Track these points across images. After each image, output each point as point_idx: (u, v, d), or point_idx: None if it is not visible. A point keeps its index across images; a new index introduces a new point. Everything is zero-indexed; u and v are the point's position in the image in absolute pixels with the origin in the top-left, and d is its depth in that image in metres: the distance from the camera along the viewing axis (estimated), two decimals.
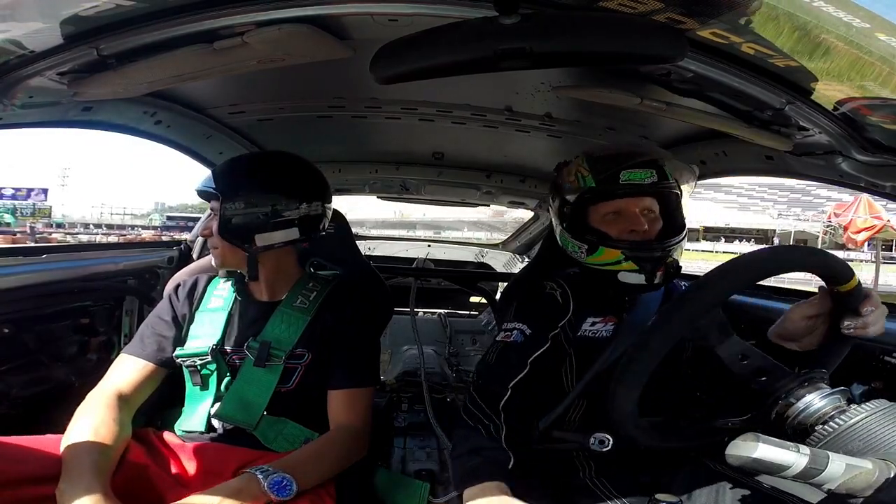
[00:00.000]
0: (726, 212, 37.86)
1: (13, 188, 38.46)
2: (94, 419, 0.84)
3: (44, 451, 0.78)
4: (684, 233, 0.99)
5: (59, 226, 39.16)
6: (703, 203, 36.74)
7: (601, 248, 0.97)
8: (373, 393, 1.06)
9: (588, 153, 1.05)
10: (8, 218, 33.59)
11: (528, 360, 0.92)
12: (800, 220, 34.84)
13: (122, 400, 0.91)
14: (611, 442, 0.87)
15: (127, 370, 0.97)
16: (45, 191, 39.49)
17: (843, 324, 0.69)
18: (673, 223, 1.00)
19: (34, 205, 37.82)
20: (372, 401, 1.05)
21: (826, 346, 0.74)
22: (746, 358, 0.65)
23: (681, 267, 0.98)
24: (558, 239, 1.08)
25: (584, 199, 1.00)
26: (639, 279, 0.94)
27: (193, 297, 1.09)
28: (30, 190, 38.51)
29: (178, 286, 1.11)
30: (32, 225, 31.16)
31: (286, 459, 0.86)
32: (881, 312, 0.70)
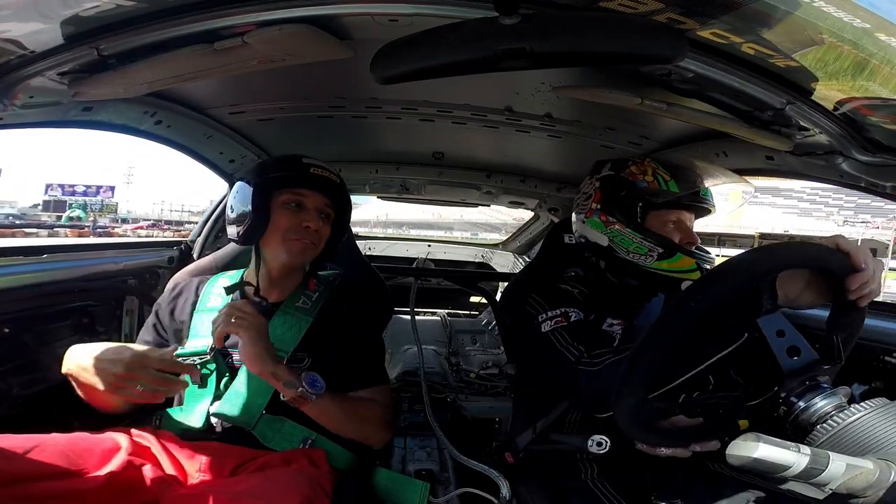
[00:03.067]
0: (785, 217, 35.68)
1: (84, 185, 41.33)
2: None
3: (45, 450, 0.78)
4: None
5: (125, 221, 40.98)
6: (759, 208, 34.82)
7: (678, 255, 0.96)
8: (389, 389, 1.10)
9: (658, 157, 1.09)
10: (79, 213, 35.59)
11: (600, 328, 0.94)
12: (868, 227, 32.29)
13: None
14: (608, 444, 0.87)
15: None
16: (112, 188, 42.77)
17: (849, 286, 0.67)
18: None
19: (102, 201, 40.48)
20: (391, 394, 1.09)
21: (835, 316, 0.72)
22: (785, 333, 0.65)
23: None
24: (610, 237, 1.02)
25: (655, 202, 1.00)
26: None
27: (192, 297, 1.09)
28: (99, 187, 41.55)
29: (176, 287, 1.12)
30: (94, 220, 33.68)
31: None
32: (877, 264, 0.68)
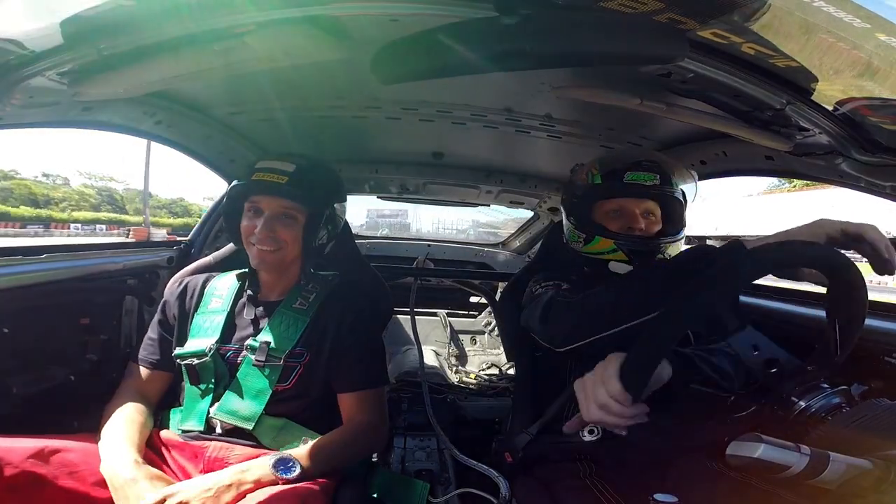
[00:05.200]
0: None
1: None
2: (121, 412, 0.93)
3: (48, 452, 0.79)
4: (681, 236, 1.07)
5: None
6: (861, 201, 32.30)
7: (597, 238, 1.06)
8: (384, 391, 1.09)
9: (602, 156, 1.15)
10: None
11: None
12: None
13: (140, 400, 0.98)
14: (600, 431, 0.88)
15: (137, 377, 1.03)
16: None
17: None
18: (671, 227, 1.07)
19: None
20: (385, 398, 1.08)
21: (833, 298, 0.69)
22: (758, 349, 0.65)
23: None
24: (565, 234, 1.16)
25: (589, 195, 1.09)
26: (625, 268, 1.03)
27: (192, 297, 1.09)
28: None
29: (176, 288, 1.12)
30: None
31: (297, 448, 0.91)
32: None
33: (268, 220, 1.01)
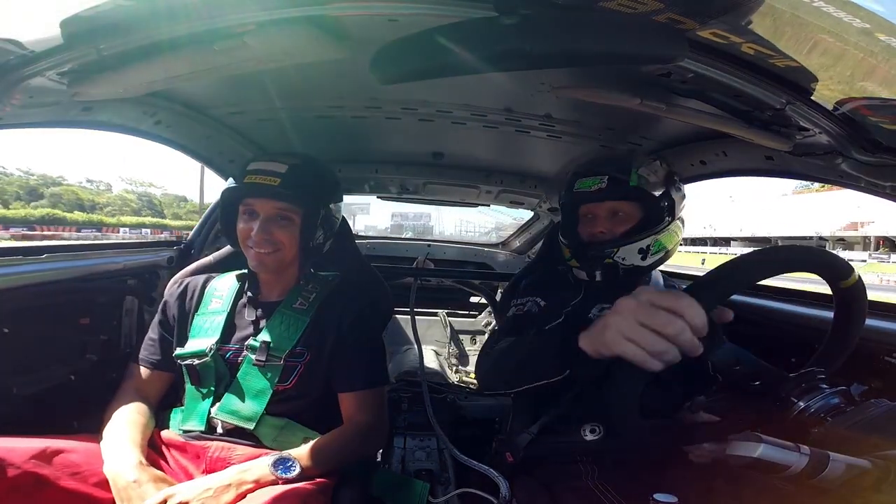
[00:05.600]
0: None
1: None
2: (123, 413, 0.93)
3: (50, 452, 0.79)
4: (635, 238, 1.04)
5: None
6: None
7: (563, 246, 1.11)
8: (384, 391, 1.09)
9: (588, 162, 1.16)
10: None
11: (544, 329, 0.95)
12: None
13: (141, 400, 0.99)
14: (602, 430, 0.89)
15: (138, 377, 1.03)
16: None
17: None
18: (633, 227, 1.06)
19: None
20: (385, 398, 1.08)
21: (828, 345, 0.74)
22: (739, 363, 0.65)
23: (633, 267, 1.04)
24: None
25: (563, 206, 1.14)
26: (582, 275, 1.07)
27: (193, 297, 1.09)
28: None
29: (176, 288, 1.12)
30: None
31: (297, 448, 0.90)
32: None
33: (263, 223, 1.01)
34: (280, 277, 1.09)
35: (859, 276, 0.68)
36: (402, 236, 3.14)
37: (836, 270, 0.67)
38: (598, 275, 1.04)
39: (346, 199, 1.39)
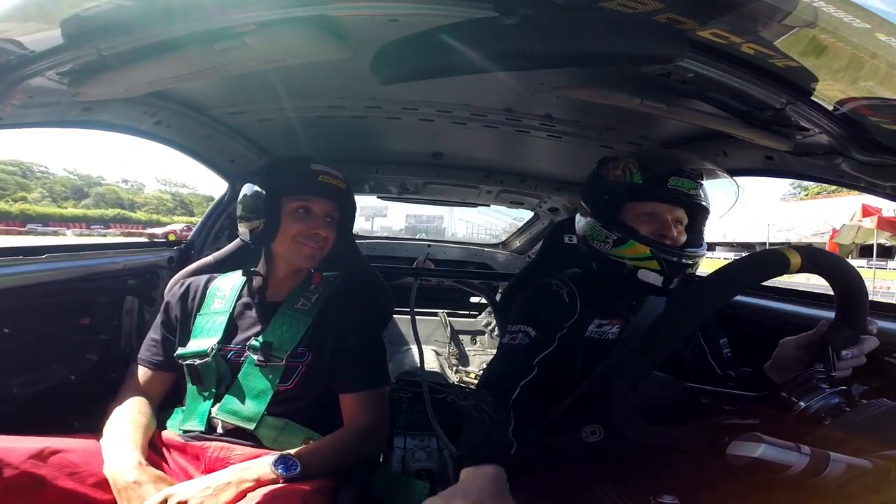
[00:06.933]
0: None
1: None
2: (124, 413, 0.94)
3: (51, 452, 0.79)
4: (704, 248, 1.02)
5: None
6: None
7: (631, 242, 0.98)
8: (386, 392, 1.08)
9: (640, 153, 1.09)
10: None
11: (535, 361, 0.94)
12: None
13: (142, 400, 0.99)
14: (602, 432, 0.89)
15: (139, 377, 1.03)
16: None
17: (840, 354, 0.72)
18: (697, 238, 1.03)
19: None
20: (386, 398, 1.08)
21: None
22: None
23: (692, 278, 0.99)
24: (583, 230, 1.08)
25: (625, 194, 1.01)
26: (657, 280, 0.96)
27: (195, 298, 1.09)
28: None
29: (178, 288, 1.12)
30: None
31: (298, 448, 0.90)
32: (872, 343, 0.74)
33: (320, 220, 1.06)
34: (296, 277, 1.10)
35: (803, 253, 0.66)
36: (402, 237, 3.14)
37: (776, 269, 0.65)
38: (676, 282, 0.97)
39: (366, 203, 1.41)
